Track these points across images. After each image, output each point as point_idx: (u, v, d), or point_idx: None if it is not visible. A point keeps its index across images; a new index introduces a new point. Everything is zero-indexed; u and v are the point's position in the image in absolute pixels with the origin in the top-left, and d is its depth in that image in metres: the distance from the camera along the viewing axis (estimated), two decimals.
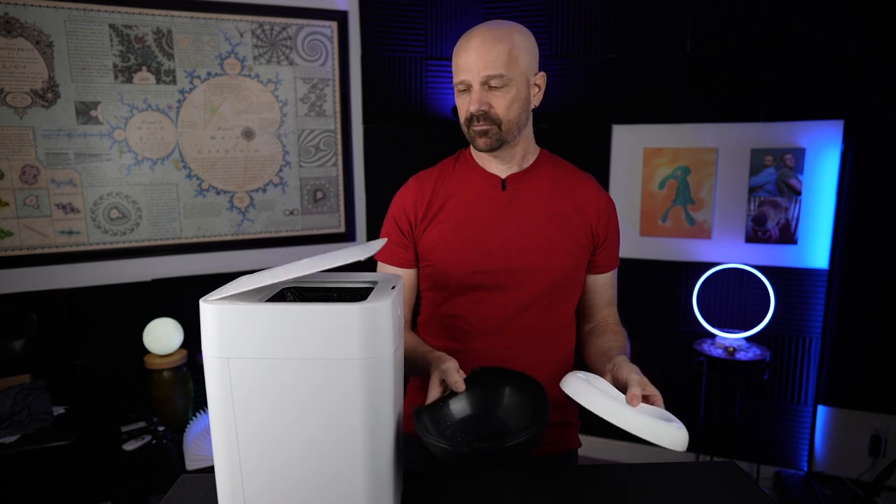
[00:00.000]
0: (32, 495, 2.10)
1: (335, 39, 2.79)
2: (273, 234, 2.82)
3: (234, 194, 2.72)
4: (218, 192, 2.69)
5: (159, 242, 2.61)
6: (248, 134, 2.70)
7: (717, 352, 2.46)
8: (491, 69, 1.04)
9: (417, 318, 1.26)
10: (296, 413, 0.74)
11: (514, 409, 0.92)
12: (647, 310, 2.80)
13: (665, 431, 0.82)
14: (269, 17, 2.66)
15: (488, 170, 1.17)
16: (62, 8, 2.33)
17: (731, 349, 2.44)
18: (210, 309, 0.72)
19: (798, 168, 2.50)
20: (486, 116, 1.06)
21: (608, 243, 1.18)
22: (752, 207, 2.59)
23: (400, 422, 0.84)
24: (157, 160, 2.56)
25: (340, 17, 2.77)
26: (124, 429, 1.95)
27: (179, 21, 2.52)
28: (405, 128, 2.90)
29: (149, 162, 2.55)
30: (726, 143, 2.60)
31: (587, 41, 2.72)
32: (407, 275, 1.19)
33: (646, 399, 0.89)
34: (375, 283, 0.87)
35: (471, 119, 1.08)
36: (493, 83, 1.05)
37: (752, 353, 2.44)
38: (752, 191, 2.58)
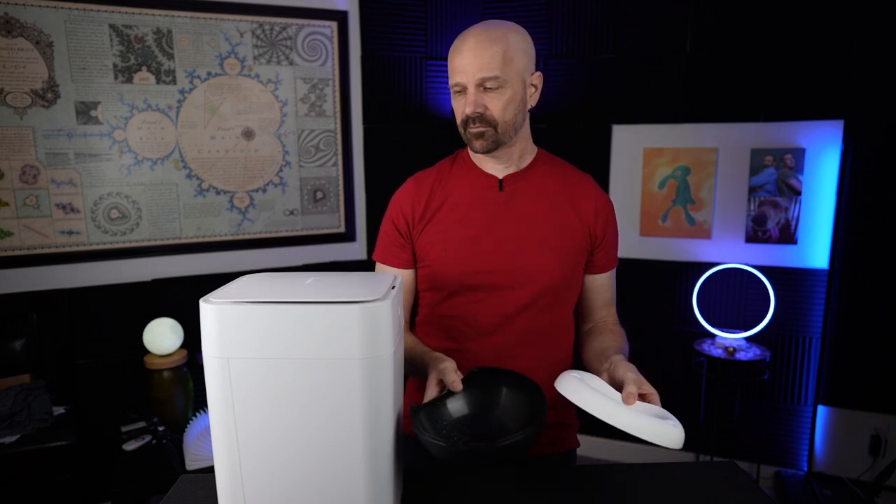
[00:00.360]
0: (32, 495, 2.10)
1: (335, 39, 2.79)
2: (273, 234, 2.82)
3: (234, 194, 2.72)
4: (218, 192, 2.69)
5: (159, 242, 2.61)
6: (248, 134, 2.70)
7: (717, 352, 2.46)
8: (485, 71, 1.03)
9: (416, 319, 1.26)
10: (296, 413, 0.74)
11: (512, 408, 0.92)
12: (647, 310, 2.80)
13: (661, 430, 0.82)
14: (269, 17, 2.66)
15: (486, 170, 1.17)
16: (62, 8, 2.33)
17: (731, 349, 2.44)
18: (210, 309, 0.72)
19: (798, 168, 2.50)
20: (481, 118, 1.06)
21: (606, 243, 1.18)
22: (752, 207, 2.59)
23: (400, 422, 0.84)
24: (157, 160, 2.56)
25: (340, 17, 2.77)
26: (124, 429, 1.95)
27: (179, 21, 2.52)
28: (405, 128, 2.90)
29: (149, 162, 2.55)
30: (726, 143, 2.60)
31: (587, 41, 2.72)
32: (405, 275, 1.19)
33: (642, 397, 0.89)
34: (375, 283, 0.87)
35: (466, 121, 1.08)
36: (488, 85, 1.05)
37: (752, 353, 2.44)
38: (752, 191, 2.58)
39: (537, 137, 1.21)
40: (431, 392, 0.94)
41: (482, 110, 1.06)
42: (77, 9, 2.35)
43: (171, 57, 2.52)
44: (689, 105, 2.63)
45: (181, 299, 2.57)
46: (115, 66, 2.44)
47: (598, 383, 0.94)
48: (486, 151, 1.10)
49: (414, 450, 1.06)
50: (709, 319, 2.64)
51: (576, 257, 1.15)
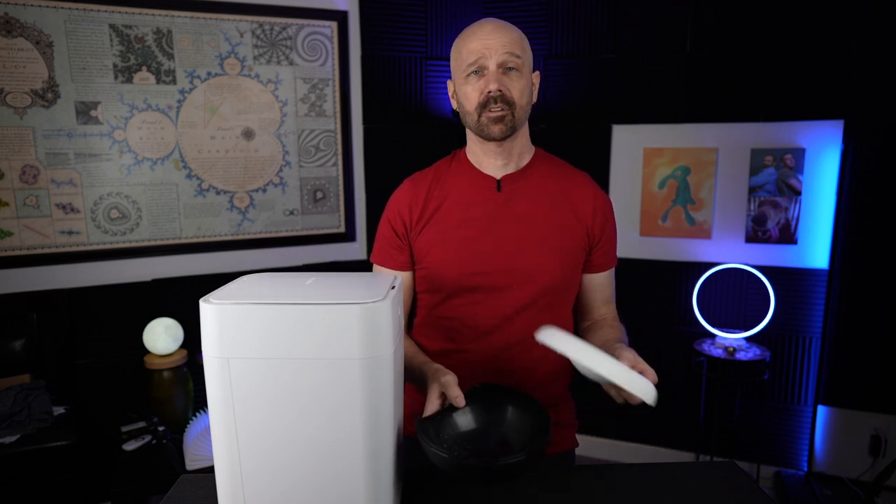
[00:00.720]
0: (32, 495, 2.10)
1: (335, 39, 2.79)
2: (273, 234, 2.82)
3: (234, 194, 2.72)
4: (218, 192, 2.69)
5: (159, 242, 2.61)
6: (248, 134, 2.70)
7: (717, 352, 2.46)
8: (509, 48, 1.05)
9: (414, 320, 1.26)
10: (296, 413, 0.74)
11: (517, 428, 0.92)
12: (647, 310, 2.80)
13: (637, 379, 0.83)
14: (269, 17, 2.66)
15: (483, 170, 1.16)
16: (62, 8, 2.33)
17: (731, 349, 2.44)
18: (210, 309, 0.72)
19: (798, 168, 2.50)
20: (502, 98, 1.05)
21: (604, 242, 1.18)
22: (752, 207, 2.59)
23: (400, 422, 0.84)
24: (157, 160, 2.56)
25: (340, 17, 2.77)
26: (124, 429, 1.95)
27: (179, 21, 2.52)
28: (405, 128, 2.90)
29: (149, 162, 2.55)
30: (726, 143, 2.60)
31: (587, 41, 2.72)
32: (403, 277, 1.19)
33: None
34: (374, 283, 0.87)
35: (486, 103, 1.06)
36: (509, 65, 1.06)
37: (752, 353, 2.44)
38: (752, 191, 2.58)
39: (537, 137, 1.21)
40: (433, 405, 0.94)
41: (504, 90, 1.05)
42: (77, 9, 2.35)
43: (171, 57, 2.53)
44: (689, 105, 2.63)
45: (181, 299, 2.57)
46: (115, 66, 2.44)
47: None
48: (503, 137, 1.09)
49: (414, 450, 1.06)
50: (709, 319, 2.64)
51: (574, 257, 1.15)
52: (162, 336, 2.43)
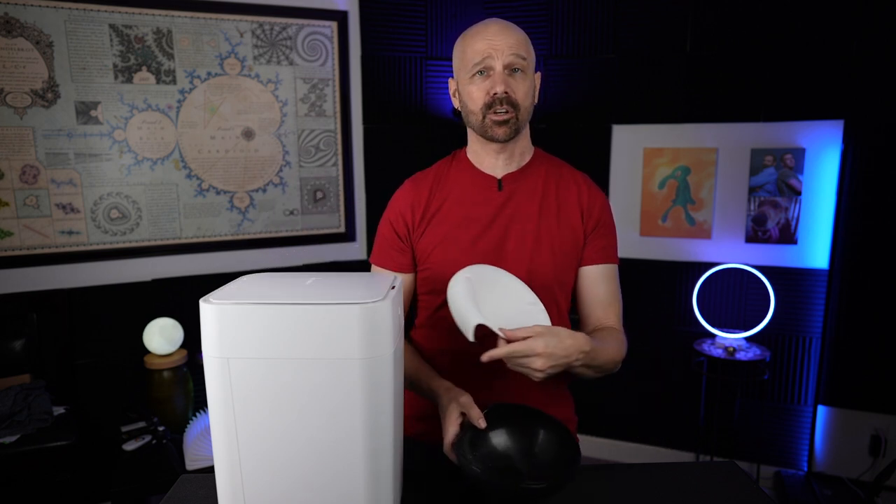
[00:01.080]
0: (32, 495, 2.10)
1: (335, 39, 2.79)
2: (273, 234, 2.82)
3: (234, 194, 2.72)
4: (218, 192, 2.69)
5: (159, 242, 2.61)
6: (248, 134, 2.70)
7: (717, 352, 2.46)
8: (516, 49, 1.05)
9: (415, 321, 1.26)
10: (296, 413, 0.74)
11: (548, 454, 0.94)
12: (647, 310, 2.80)
13: (463, 314, 0.92)
14: (269, 17, 2.66)
15: (484, 170, 1.16)
16: (62, 8, 2.33)
17: (731, 349, 2.44)
18: (210, 309, 0.72)
19: (798, 168, 2.50)
20: (508, 100, 1.05)
21: (597, 235, 1.16)
22: (752, 207, 2.59)
23: (400, 422, 0.84)
24: (157, 160, 2.56)
25: (340, 17, 2.77)
26: (124, 429, 1.95)
27: (179, 21, 2.52)
28: (405, 128, 2.90)
29: (149, 162, 2.55)
30: (726, 143, 2.60)
31: (587, 41, 2.72)
32: (402, 279, 1.18)
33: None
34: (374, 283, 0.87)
35: (492, 104, 1.06)
36: (515, 66, 1.06)
37: (752, 353, 2.44)
38: (752, 191, 2.58)
39: (537, 137, 1.21)
40: (454, 426, 0.94)
41: (510, 92, 1.05)
42: (77, 9, 2.35)
43: (171, 57, 2.53)
44: (689, 105, 2.63)
45: (181, 299, 2.57)
46: (115, 66, 2.44)
47: (499, 285, 1.03)
48: (507, 139, 1.09)
49: (413, 450, 1.06)
50: (709, 319, 2.64)
51: (573, 256, 1.15)
52: (162, 336, 2.43)
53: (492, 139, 1.10)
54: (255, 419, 0.74)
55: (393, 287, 0.81)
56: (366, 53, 2.84)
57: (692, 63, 2.60)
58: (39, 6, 2.30)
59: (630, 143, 2.74)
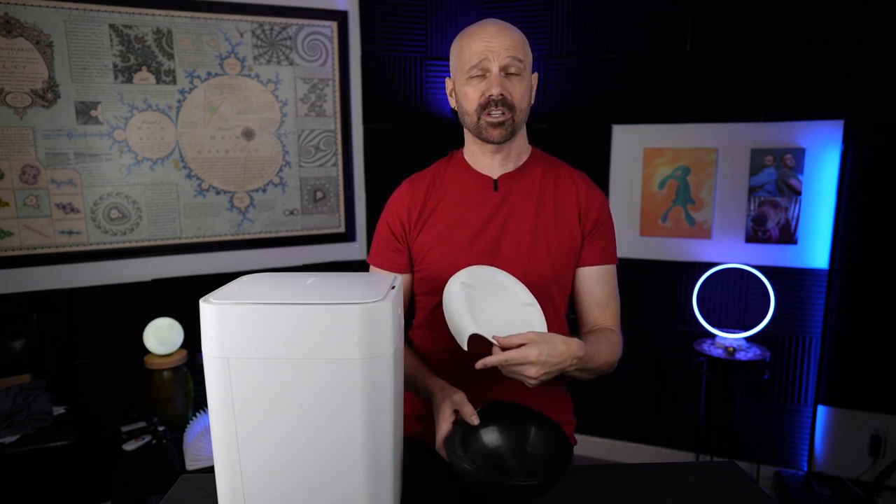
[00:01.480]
0: (32, 495, 2.10)
1: (335, 39, 2.79)
2: (273, 234, 2.82)
3: (234, 194, 2.72)
4: (218, 192, 2.69)
5: (159, 242, 2.61)
6: (248, 134, 2.70)
7: (717, 352, 2.46)
8: (512, 51, 1.05)
9: (413, 321, 1.26)
10: (296, 413, 0.74)
11: (541, 450, 0.94)
12: (647, 310, 2.80)
13: (457, 320, 0.92)
14: (269, 17, 2.66)
15: (480, 171, 1.16)
16: (62, 8, 2.33)
17: (731, 349, 2.44)
18: (210, 309, 0.72)
19: (798, 168, 2.50)
20: (504, 102, 1.05)
21: (594, 236, 1.16)
22: (752, 207, 2.59)
23: (400, 422, 0.84)
24: (157, 160, 2.56)
25: (340, 17, 2.77)
26: (124, 429, 1.96)
27: (179, 21, 2.52)
28: (405, 128, 2.90)
29: (149, 162, 2.55)
30: (726, 143, 2.60)
31: (587, 41, 2.72)
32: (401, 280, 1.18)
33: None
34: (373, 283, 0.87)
35: (487, 105, 1.06)
36: (511, 69, 1.05)
37: (752, 353, 2.44)
38: (752, 191, 2.58)
39: (538, 137, 1.21)
40: (447, 423, 0.95)
41: (506, 94, 1.05)
42: (77, 9, 2.35)
43: (171, 57, 2.53)
44: (689, 105, 2.63)
45: (181, 299, 2.57)
46: (115, 66, 2.44)
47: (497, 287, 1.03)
48: (502, 141, 1.09)
49: (413, 450, 1.06)
50: (709, 319, 2.64)
51: (570, 256, 1.14)
52: (162, 336, 2.43)
53: (487, 140, 1.10)
54: (255, 419, 0.74)
55: (393, 287, 0.81)
56: (366, 53, 2.84)
57: (692, 63, 2.60)
58: (39, 6, 2.30)
59: (630, 143, 2.74)
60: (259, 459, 0.75)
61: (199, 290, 0.84)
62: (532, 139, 1.21)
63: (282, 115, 2.75)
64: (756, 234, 2.59)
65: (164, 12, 2.48)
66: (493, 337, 0.92)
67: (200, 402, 2.19)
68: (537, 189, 1.15)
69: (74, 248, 2.46)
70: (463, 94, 1.10)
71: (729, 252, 2.65)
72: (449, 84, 1.16)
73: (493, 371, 1.14)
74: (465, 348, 0.92)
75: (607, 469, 1.05)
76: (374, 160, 2.93)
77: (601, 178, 2.78)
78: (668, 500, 0.95)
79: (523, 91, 1.08)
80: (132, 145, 2.51)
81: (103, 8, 2.38)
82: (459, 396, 0.97)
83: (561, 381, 1.23)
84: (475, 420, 0.93)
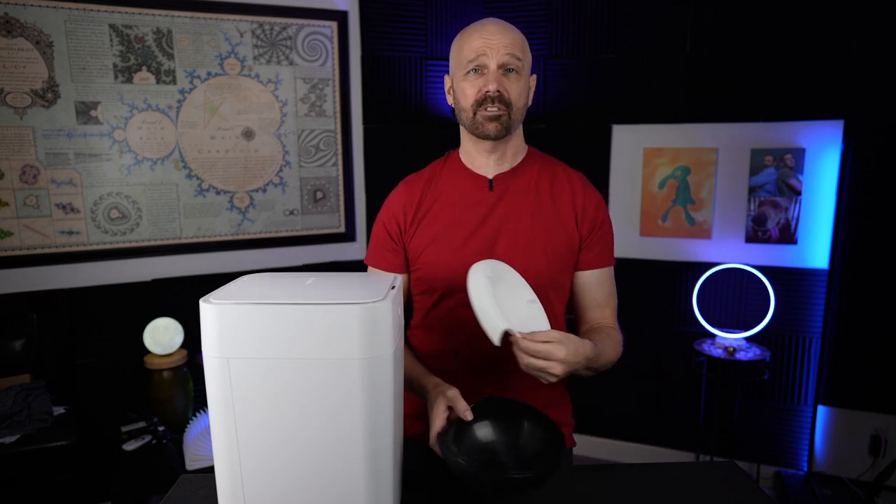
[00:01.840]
0: (32, 495, 2.10)
1: (335, 39, 2.79)
2: (273, 234, 2.82)
3: (234, 194, 2.72)
4: (218, 192, 2.69)
5: (159, 242, 2.61)
6: (248, 134, 2.70)
7: (717, 352, 2.46)
8: (511, 49, 1.05)
9: (410, 322, 1.26)
10: (296, 413, 0.74)
11: (534, 443, 0.94)
12: (647, 310, 2.80)
13: (489, 314, 0.91)
14: (269, 17, 2.66)
15: (476, 170, 1.16)
16: (62, 8, 2.33)
17: (731, 349, 2.44)
18: (210, 309, 0.72)
19: (798, 168, 2.50)
20: (500, 99, 1.06)
21: (593, 240, 1.16)
22: (752, 207, 2.59)
23: (400, 422, 0.84)
24: (157, 160, 2.56)
25: (340, 17, 2.77)
26: (124, 429, 1.96)
27: (179, 21, 2.52)
28: (405, 128, 2.90)
29: (149, 162, 2.55)
30: (726, 143, 2.60)
31: (587, 41, 2.72)
32: None
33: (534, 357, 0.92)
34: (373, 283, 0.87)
35: (483, 101, 1.06)
36: (510, 66, 1.06)
37: (752, 353, 2.44)
38: (752, 191, 2.58)
39: (537, 137, 1.21)
40: (441, 419, 0.95)
41: (503, 91, 1.06)
42: (77, 9, 2.35)
43: (171, 57, 2.53)
44: (689, 105, 2.63)
45: (181, 299, 2.57)
46: (115, 66, 2.44)
47: (509, 283, 1.02)
48: (498, 137, 1.09)
49: (413, 450, 1.06)
50: (709, 319, 2.64)
51: (565, 256, 1.14)
52: (162, 336, 2.43)
53: (483, 136, 1.09)
54: (255, 419, 0.74)
55: (393, 287, 0.81)
56: (366, 53, 2.84)
57: (692, 63, 2.60)
58: (39, 6, 2.30)
59: (630, 143, 2.74)
60: (259, 459, 0.75)
61: (199, 290, 0.84)
62: (532, 139, 1.21)
63: (282, 115, 2.75)
64: (756, 234, 2.59)
65: (164, 12, 2.48)
66: (520, 334, 0.92)
67: (200, 402, 2.19)
68: (533, 189, 1.15)
69: (74, 248, 2.46)
70: (460, 89, 1.10)
71: (729, 252, 2.65)
72: (448, 81, 1.16)
73: (492, 369, 1.14)
74: (498, 344, 0.92)
75: (607, 469, 1.05)
76: (374, 160, 2.93)
77: (601, 178, 2.78)
78: (668, 500, 0.95)
79: (520, 90, 1.08)
80: (132, 145, 2.51)
81: (103, 8, 2.38)
82: (453, 392, 0.98)
83: (560, 383, 1.23)
84: (469, 415, 0.94)
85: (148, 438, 1.89)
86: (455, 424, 0.94)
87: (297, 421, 0.74)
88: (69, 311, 2.46)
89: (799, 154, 2.50)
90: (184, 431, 1.88)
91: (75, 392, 2.49)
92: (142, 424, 1.97)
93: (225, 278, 0.87)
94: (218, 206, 2.70)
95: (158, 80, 2.52)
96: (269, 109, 2.72)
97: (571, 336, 0.96)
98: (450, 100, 1.16)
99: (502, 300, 0.96)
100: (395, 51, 2.83)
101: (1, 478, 2.03)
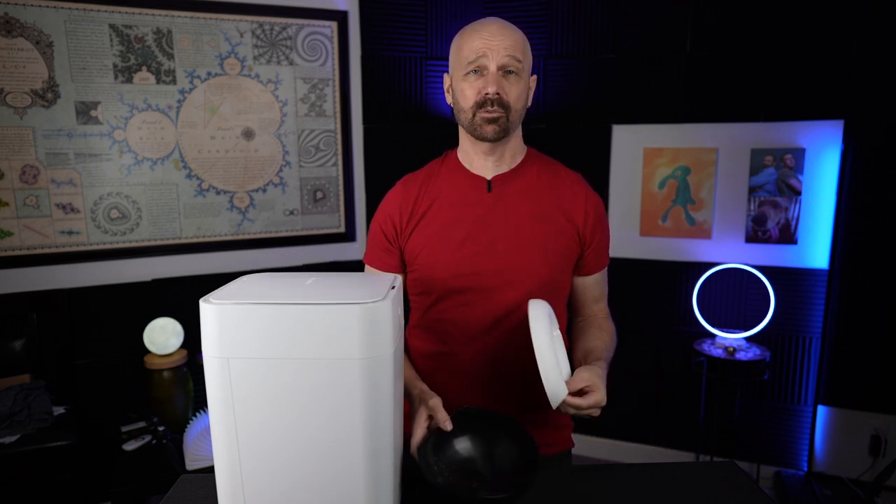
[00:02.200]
0: (32, 495, 2.10)
1: (335, 39, 2.79)
2: (273, 234, 2.82)
3: (234, 194, 2.72)
4: (218, 192, 2.69)
5: (159, 242, 2.61)
6: (248, 134, 2.70)
7: (717, 352, 2.46)
8: (511, 51, 1.05)
9: (408, 322, 1.26)
10: (296, 413, 0.74)
11: (507, 461, 0.96)
12: (647, 310, 2.80)
13: (552, 378, 0.90)
14: (269, 17, 2.66)
15: (474, 171, 1.15)
16: (62, 8, 2.33)
17: (731, 349, 2.44)
18: (210, 309, 0.72)
19: (798, 168, 2.50)
20: (499, 101, 1.05)
21: (595, 244, 1.16)
22: (752, 207, 2.59)
23: (400, 422, 0.84)
24: (157, 160, 2.56)
25: (340, 17, 2.77)
26: (124, 429, 1.96)
27: (179, 21, 2.52)
28: (405, 128, 2.90)
29: (149, 162, 2.55)
30: (726, 143, 2.60)
31: (587, 41, 2.72)
32: None
33: (581, 393, 0.95)
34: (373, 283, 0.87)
35: (482, 103, 1.06)
36: (509, 68, 1.05)
37: (752, 353, 2.44)
38: (752, 191, 2.58)
39: (537, 137, 1.21)
40: (421, 429, 0.98)
41: (502, 93, 1.05)
42: (77, 9, 2.35)
43: (171, 57, 2.53)
44: (689, 105, 2.63)
45: (181, 299, 2.57)
46: (115, 66, 2.44)
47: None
48: (496, 138, 1.08)
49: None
50: (709, 319, 2.64)
51: (565, 258, 1.14)
52: (162, 336, 2.43)
53: (481, 138, 1.09)
54: (255, 419, 0.74)
55: (393, 287, 0.81)
56: (366, 53, 2.84)
57: (692, 63, 2.60)
58: (39, 6, 2.30)
59: (630, 143, 2.74)
60: (259, 459, 0.75)
61: (199, 290, 0.84)
62: (531, 139, 1.21)
63: (282, 115, 2.75)
64: (756, 234, 2.59)
65: (164, 12, 2.48)
66: (567, 383, 0.95)
67: (200, 402, 2.19)
68: (532, 190, 1.14)
69: (74, 248, 2.46)
70: (460, 90, 1.09)
71: (729, 252, 2.65)
72: (447, 80, 1.15)
73: (485, 372, 1.14)
74: (554, 408, 0.94)
75: (607, 469, 1.05)
76: (374, 160, 2.93)
77: (601, 178, 2.77)
78: (668, 500, 0.95)
79: (520, 92, 1.07)
80: (132, 145, 2.51)
81: (103, 8, 2.38)
82: (435, 402, 0.99)
83: None
84: (448, 426, 0.95)
85: (148, 438, 1.89)
86: (434, 435, 0.95)
87: (297, 421, 0.74)
88: (69, 311, 2.46)
89: (799, 154, 2.50)
90: (184, 431, 1.88)
91: (75, 392, 2.49)
92: (142, 424, 1.97)
93: (225, 278, 0.87)
94: (218, 206, 2.70)
95: (158, 80, 2.52)
96: (269, 109, 2.72)
97: (595, 370, 0.98)
98: (448, 99, 1.16)
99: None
100: (395, 51, 2.83)
101: (1, 478, 2.03)
